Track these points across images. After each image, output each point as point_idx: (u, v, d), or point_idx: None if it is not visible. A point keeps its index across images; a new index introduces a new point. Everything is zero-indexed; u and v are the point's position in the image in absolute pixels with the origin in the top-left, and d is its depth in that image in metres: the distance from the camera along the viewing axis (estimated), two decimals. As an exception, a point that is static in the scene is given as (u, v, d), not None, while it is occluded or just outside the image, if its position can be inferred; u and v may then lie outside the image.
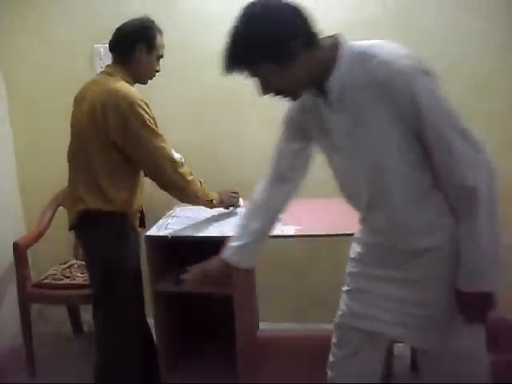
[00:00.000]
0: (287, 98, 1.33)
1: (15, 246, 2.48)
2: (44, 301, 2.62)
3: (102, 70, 2.02)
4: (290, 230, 2.06)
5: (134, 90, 1.92)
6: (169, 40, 2.70)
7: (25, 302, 2.51)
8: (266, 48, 1.19)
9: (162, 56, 2.05)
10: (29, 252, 2.57)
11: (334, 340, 1.57)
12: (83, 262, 2.44)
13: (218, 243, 2.01)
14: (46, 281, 2.54)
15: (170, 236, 2.06)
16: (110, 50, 2.00)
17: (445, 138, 1.20)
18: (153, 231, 2.13)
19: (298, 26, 1.21)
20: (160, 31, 2.03)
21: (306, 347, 2.50)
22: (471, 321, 1.31)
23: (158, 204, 2.44)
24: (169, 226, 2.17)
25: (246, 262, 1.57)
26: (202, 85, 2.75)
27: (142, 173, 2.04)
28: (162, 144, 1.91)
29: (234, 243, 1.56)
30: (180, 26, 2.70)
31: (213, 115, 2.78)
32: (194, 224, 2.19)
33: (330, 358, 1.57)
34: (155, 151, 1.90)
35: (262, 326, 2.74)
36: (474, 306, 1.29)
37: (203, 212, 2.32)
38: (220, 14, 2.66)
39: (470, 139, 1.21)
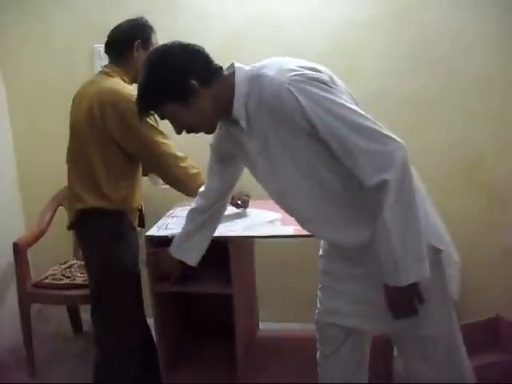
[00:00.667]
0: (204, 132, 1.41)
1: (15, 246, 2.48)
2: (44, 301, 2.62)
3: (100, 70, 2.03)
4: (289, 230, 2.06)
5: (132, 88, 1.92)
6: (169, 39, 2.70)
7: (25, 302, 2.51)
8: (166, 88, 1.31)
9: None
10: (29, 252, 2.57)
11: (317, 338, 1.62)
12: (83, 262, 2.44)
13: (217, 243, 2.02)
14: (46, 281, 2.54)
15: (170, 236, 2.06)
16: (106, 51, 2.02)
17: (342, 140, 1.21)
18: (153, 231, 2.13)
19: (195, 64, 1.32)
20: (154, 30, 2.04)
21: (306, 347, 2.50)
22: (399, 315, 1.31)
23: (158, 204, 2.44)
24: (169, 226, 2.16)
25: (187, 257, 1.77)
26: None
27: (140, 171, 2.04)
28: (164, 140, 1.92)
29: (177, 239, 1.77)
30: (180, 25, 2.69)
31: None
32: (194, 224, 2.19)
33: (317, 356, 1.61)
34: (157, 147, 1.90)
35: (262, 325, 2.74)
36: (399, 299, 1.28)
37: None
38: (220, 13, 2.67)
39: (368, 134, 1.20)
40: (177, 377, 2.24)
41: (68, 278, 2.55)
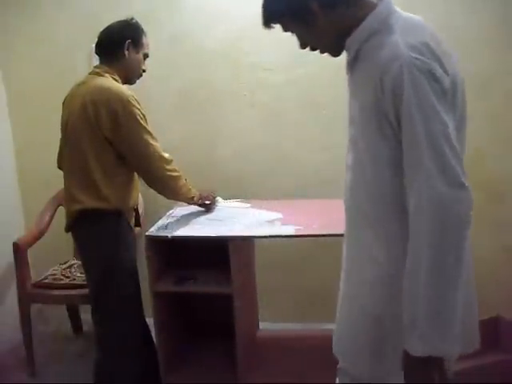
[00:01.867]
0: (327, 54, 1.29)
1: (15, 246, 2.48)
2: (44, 301, 2.62)
3: (91, 70, 2.03)
4: (289, 230, 2.06)
5: (125, 87, 1.95)
6: (170, 39, 2.71)
7: (25, 302, 2.51)
8: (284, 5, 1.20)
9: (147, 55, 2.09)
10: (29, 252, 2.57)
11: None
12: (81, 263, 2.44)
13: (217, 243, 2.03)
14: (45, 281, 2.54)
15: (170, 236, 2.06)
16: (97, 52, 2.02)
17: (416, 156, 1.06)
18: (153, 231, 2.13)
19: None
20: (144, 32, 2.06)
21: (306, 347, 2.50)
22: (413, 382, 1.10)
23: (158, 204, 2.44)
24: (169, 226, 2.17)
25: None
26: (201, 84, 2.75)
27: None
28: (152, 141, 1.93)
29: None
30: (180, 25, 2.70)
31: (212, 113, 2.78)
32: (193, 224, 2.19)
33: None
34: (144, 147, 1.91)
35: (262, 325, 2.73)
36: (412, 369, 1.09)
37: (203, 212, 2.33)
38: (220, 13, 2.67)
39: (446, 169, 1.03)
40: (177, 377, 2.24)
41: (68, 278, 2.55)
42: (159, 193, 2.08)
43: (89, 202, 1.90)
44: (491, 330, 2.37)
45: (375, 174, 1.18)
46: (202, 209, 2.33)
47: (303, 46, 1.27)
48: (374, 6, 1.17)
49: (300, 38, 1.26)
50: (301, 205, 2.48)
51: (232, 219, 2.23)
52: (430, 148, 1.04)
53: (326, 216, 2.23)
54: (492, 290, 2.55)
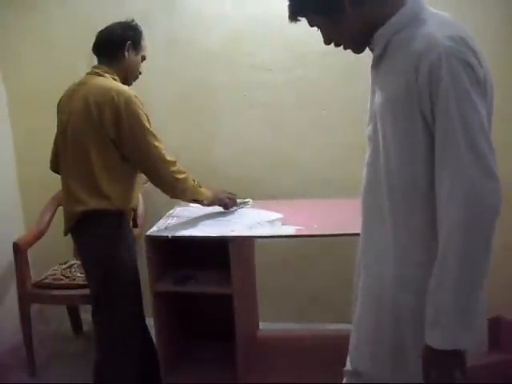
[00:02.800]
0: (352, 51, 1.29)
1: (15, 246, 2.48)
2: (44, 301, 2.62)
3: (89, 71, 2.02)
4: (290, 229, 2.06)
5: (128, 87, 1.94)
6: (168, 40, 2.71)
7: (25, 301, 2.51)
8: (314, 3, 1.20)
9: (145, 58, 2.09)
10: (29, 252, 2.57)
11: None
12: (81, 263, 2.44)
13: (217, 243, 2.02)
14: (46, 281, 2.54)
15: (170, 236, 2.06)
16: (96, 52, 2.02)
17: (450, 146, 1.04)
18: (153, 231, 2.13)
19: None
20: (142, 34, 2.06)
21: (306, 347, 2.50)
22: (432, 380, 1.10)
23: (158, 204, 2.44)
24: (169, 226, 2.16)
25: None
26: (201, 85, 2.75)
27: (137, 171, 2.04)
28: (155, 142, 1.92)
29: None
30: (180, 25, 2.70)
31: (212, 114, 2.78)
32: (193, 224, 2.19)
33: None
34: (148, 148, 1.91)
35: (262, 325, 2.73)
36: (433, 363, 1.09)
37: (203, 212, 2.33)
38: (220, 13, 2.67)
39: (480, 160, 1.03)
40: (177, 377, 2.24)
41: (68, 278, 2.55)
42: (167, 194, 2.06)
43: (92, 203, 1.89)
44: (492, 330, 2.35)
45: (402, 166, 1.15)
46: (202, 209, 2.31)
47: (328, 41, 1.27)
48: (402, 3, 1.16)
49: (325, 33, 1.25)
50: (301, 205, 2.48)
51: (232, 219, 2.23)
52: (466, 137, 1.03)
53: (326, 216, 2.24)
54: (493, 289, 2.53)
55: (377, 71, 1.24)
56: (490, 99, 1.15)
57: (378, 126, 1.20)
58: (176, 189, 2.02)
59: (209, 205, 2.22)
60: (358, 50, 1.27)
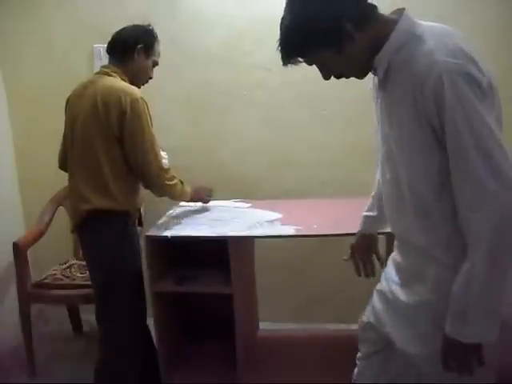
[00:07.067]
0: (355, 77, 1.28)
1: (15, 246, 2.48)
2: (44, 301, 2.62)
3: (98, 70, 2.04)
4: (290, 229, 2.06)
5: (135, 88, 1.95)
6: (169, 40, 2.71)
7: (25, 301, 2.51)
8: (318, 35, 1.15)
9: (157, 63, 2.10)
10: (29, 252, 2.57)
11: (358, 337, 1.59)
12: (83, 262, 2.44)
13: (217, 243, 2.03)
14: (46, 281, 2.54)
15: (170, 236, 2.06)
16: (109, 51, 2.03)
17: (463, 159, 1.07)
18: (153, 231, 2.13)
19: (350, 4, 1.14)
20: (158, 40, 2.08)
21: (306, 347, 2.50)
22: (450, 369, 1.18)
23: (158, 204, 2.44)
24: (169, 226, 2.17)
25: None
26: (201, 84, 2.75)
27: None
28: (154, 147, 1.93)
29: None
30: (180, 25, 2.70)
31: (212, 113, 2.79)
32: (194, 224, 2.19)
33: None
34: (145, 153, 1.91)
35: (262, 325, 2.73)
36: (455, 354, 1.16)
37: (203, 212, 2.33)
38: (220, 13, 2.67)
39: (494, 168, 1.05)
40: (177, 377, 2.24)
41: (68, 277, 2.55)
42: (155, 194, 2.09)
43: (98, 202, 1.89)
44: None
45: (423, 186, 1.19)
46: (202, 209, 2.35)
47: (328, 76, 1.26)
48: (395, 21, 1.18)
49: (325, 67, 1.24)
50: (301, 205, 2.48)
51: (232, 219, 2.23)
52: (478, 150, 1.05)
53: (326, 216, 2.24)
54: None
55: (383, 96, 1.26)
56: (497, 102, 1.16)
57: (394, 146, 1.23)
58: (168, 193, 2.07)
59: (189, 201, 2.29)
60: (362, 75, 1.28)
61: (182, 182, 2.11)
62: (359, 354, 1.56)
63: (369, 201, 1.65)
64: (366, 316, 1.52)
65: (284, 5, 1.22)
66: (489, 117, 1.07)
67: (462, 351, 1.14)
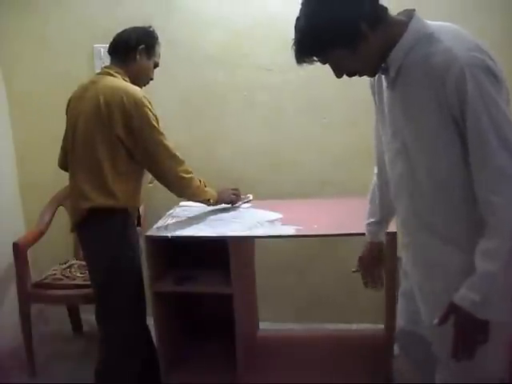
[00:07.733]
0: (366, 75, 1.32)
1: (15, 246, 2.48)
2: (44, 301, 2.62)
3: (100, 70, 2.05)
4: (289, 229, 2.06)
5: (138, 88, 1.96)
6: (168, 42, 2.71)
7: (25, 301, 2.51)
8: (335, 34, 1.18)
9: (158, 64, 2.12)
10: (29, 252, 2.57)
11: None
12: (83, 262, 2.44)
13: (217, 243, 2.03)
14: (46, 281, 2.54)
15: (170, 236, 2.06)
16: (110, 52, 2.04)
17: (484, 144, 1.13)
18: (153, 231, 2.13)
19: (364, 4, 1.17)
20: (159, 42, 2.09)
21: (306, 347, 2.50)
22: (458, 344, 1.20)
23: (158, 204, 2.44)
24: (169, 226, 2.17)
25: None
26: (201, 84, 2.75)
27: (144, 170, 2.05)
28: (165, 141, 1.94)
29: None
30: (180, 25, 2.70)
31: (212, 115, 2.79)
32: (194, 224, 2.19)
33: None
34: (156, 148, 1.92)
35: (262, 325, 2.73)
36: (467, 328, 1.19)
37: (203, 212, 2.33)
38: (220, 13, 2.67)
39: None
40: (177, 377, 2.24)
41: (68, 278, 2.55)
42: (174, 193, 2.08)
43: (99, 200, 1.90)
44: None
45: (445, 174, 1.24)
46: (202, 208, 2.33)
47: (341, 74, 1.29)
48: (406, 23, 1.22)
49: (339, 66, 1.27)
50: (301, 205, 2.48)
51: (232, 219, 2.23)
52: (498, 138, 1.12)
53: (326, 216, 2.24)
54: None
55: (392, 92, 1.29)
56: (506, 93, 1.21)
57: (410, 139, 1.27)
58: (181, 188, 2.05)
59: (214, 204, 2.26)
60: (374, 74, 1.33)
61: (200, 182, 2.11)
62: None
63: (367, 207, 1.66)
64: (398, 324, 1.56)
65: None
66: (504, 106, 1.14)
67: (473, 327, 1.18)
